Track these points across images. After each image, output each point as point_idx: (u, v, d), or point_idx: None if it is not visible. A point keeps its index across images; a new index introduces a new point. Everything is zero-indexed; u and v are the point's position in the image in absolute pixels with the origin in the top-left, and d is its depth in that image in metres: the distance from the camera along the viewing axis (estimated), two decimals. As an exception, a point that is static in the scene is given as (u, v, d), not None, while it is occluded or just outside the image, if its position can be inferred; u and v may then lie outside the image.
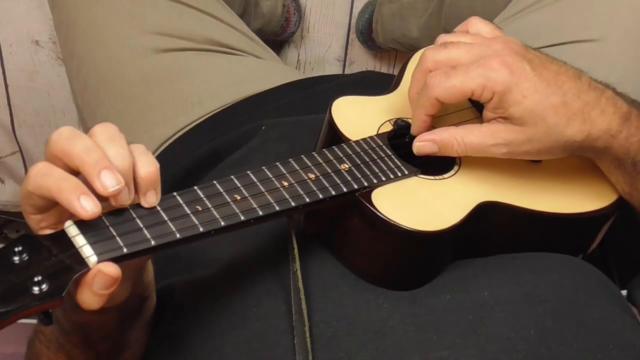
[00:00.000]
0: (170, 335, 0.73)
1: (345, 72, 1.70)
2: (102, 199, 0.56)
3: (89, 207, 0.54)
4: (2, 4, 1.50)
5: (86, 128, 1.09)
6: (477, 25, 0.76)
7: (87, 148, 0.56)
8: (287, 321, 0.67)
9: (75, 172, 0.56)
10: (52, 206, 0.58)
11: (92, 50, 1.03)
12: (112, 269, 0.54)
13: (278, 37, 1.60)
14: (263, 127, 0.93)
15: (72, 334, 0.67)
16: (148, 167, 0.58)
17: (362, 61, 1.69)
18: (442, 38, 0.74)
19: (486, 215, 0.71)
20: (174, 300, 0.75)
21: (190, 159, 0.96)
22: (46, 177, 0.55)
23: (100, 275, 0.54)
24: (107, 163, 0.55)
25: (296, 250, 0.69)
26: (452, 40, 0.72)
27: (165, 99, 1.01)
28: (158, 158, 0.98)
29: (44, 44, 1.54)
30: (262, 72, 1.08)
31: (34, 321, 0.66)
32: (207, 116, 1.00)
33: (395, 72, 0.86)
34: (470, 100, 0.80)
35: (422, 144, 0.72)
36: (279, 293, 0.70)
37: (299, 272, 0.68)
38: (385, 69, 1.70)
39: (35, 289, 0.52)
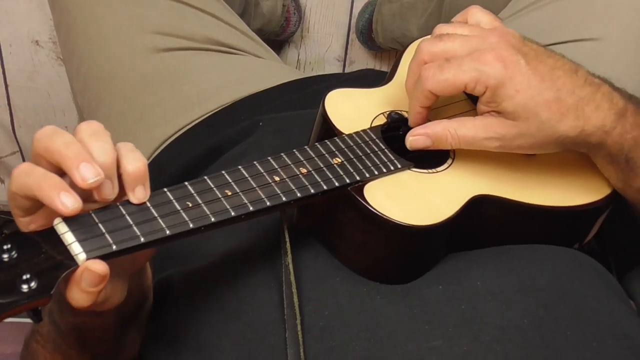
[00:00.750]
0: (165, 326, 0.73)
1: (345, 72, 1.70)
2: (87, 197, 0.56)
3: (69, 203, 0.54)
4: (2, 4, 1.50)
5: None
6: (476, 14, 0.75)
7: (67, 143, 0.56)
8: (280, 312, 0.68)
9: (61, 172, 0.56)
10: (38, 207, 0.58)
11: (92, 50, 1.03)
12: (99, 267, 0.54)
13: (278, 37, 1.60)
14: (261, 123, 0.93)
15: (69, 335, 0.67)
16: (135, 163, 0.58)
17: (362, 61, 1.69)
18: (439, 29, 0.74)
19: (480, 209, 0.71)
20: (170, 292, 0.75)
21: (189, 157, 0.96)
22: (28, 177, 0.56)
23: (87, 273, 0.54)
24: (86, 156, 0.56)
25: (288, 244, 0.69)
26: (449, 31, 0.72)
27: (166, 99, 1.01)
28: (158, 157, 1.00)
29: (44, 44, 1.54)
30: (262, 72, 1.08)
31: (34, 320, 0.65)
32: (207, 115, 1.00)
33: (395, 72, 0.86)
34: (466, 93, 0.80)
35: (416, 138, 0.72)
36: (273, 284, 0.70)
37: (290, 266, 0.68)
38: (386, 68, 1.70)
39: (24, 287, 0.52)
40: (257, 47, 1.14)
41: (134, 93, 1.02)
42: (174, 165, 0.96)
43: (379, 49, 1.65)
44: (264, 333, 0.67)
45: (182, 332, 0.71)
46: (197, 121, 1.00)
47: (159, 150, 1.00)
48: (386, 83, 0.81)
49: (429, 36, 0.74)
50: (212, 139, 0.97)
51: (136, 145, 0.99)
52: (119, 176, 0.58)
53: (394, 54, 1.68)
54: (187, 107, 1.01)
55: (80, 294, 0.55)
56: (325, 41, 1.66)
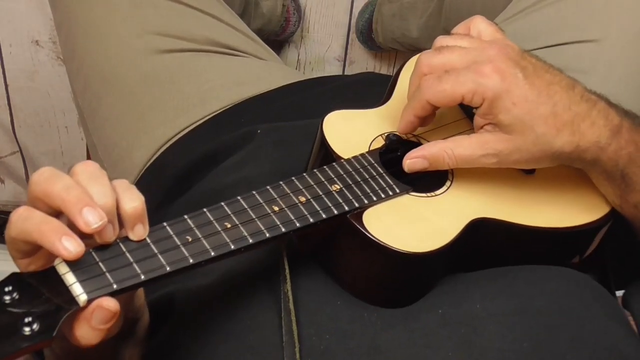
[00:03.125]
0: (166, 344, 0.73)
1: (345, 72, 1.70)
2: (87, 236, 0.56)
3: (71, 247, 0.54)
4: (2, 4, 1.50)
5: (86, 128, 1.09)
6: (479, 25, 0.75)
7: (67, 187, 0.55)
8: (280, 335, 0.67)
9: (59, 214, 0.56)
10: (38, 249, 0.57)
11: (92, 51, 1.03)
12: (111, 304, 0.54)
13: (278, 37, 1.60)
14: (259, 131, 0.93)
15: (65, 359, 0.67)
16: (132, 203, 0.58)
17: (362, 61, 1.69)
18: (439, 41, 0.74)
19: (479, 231, 0.71)
20: (171, 309, 0.75)
21: (187, 161, 0.96)
22: (27, 222, 0.55)
23: (99, 310, 0.54)
24: (88, 200, 0.55)
25: (287, 271, 0.69)
26: (449, 44, 0.72)
27: (166, 100, 1.01)
28: (159, 159, 1.00)
29: (44, 44, 1.54)
30: (262, 73, 1.08)
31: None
32: (207, 117, 1.00)
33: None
34: (464, 111, 0.79)
35: (413, 161, 0.72)
36: (273, 306, 0.70)
37: (289, 293, 0.68)
38: (385, 69, 1.70)
39: (27, 330, 0.52)
40: (258, 47, 1.14)
41: (134, 94, 1.01)
42: (174, 168, 0.96)
43: (379, 49, 1.65)
44: (265, 355, 0.67)
45: (183, 350, 0.70)
46: (198, 122, 1.00)
47: (160, 152, 1.00)
48: (384, 103, 0.81)
49: (429, 50, 0.74)
50: (210, 143, 0.96)
51: (136, 145, 1.01)
52: (118, 214, 0.58)
53: (394, 54, 1.68)
54: (187, 108, 1.01)
55: (90, 332, 0.55)
56: (325, 41, 1.66)
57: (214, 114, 1.00)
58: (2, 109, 1.59)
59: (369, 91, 0.82)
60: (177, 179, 0.95)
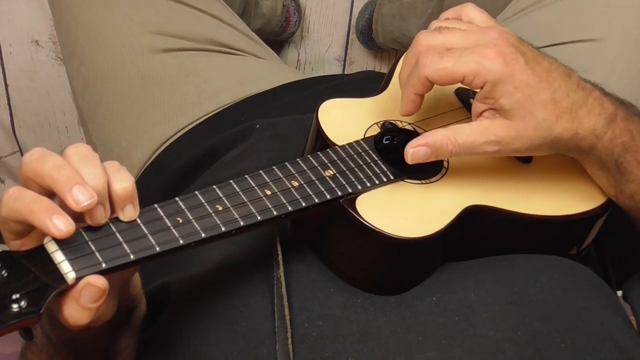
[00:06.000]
0: (160, 333, 0.73)
1: (345, 72, 1.70)
2: (77, 217, 0.56)
3: (62, 225, 0.54)
4: (2, 4, 1.50)
5: (86, 128, 1.09)
6: (471, 12, 0.74)
7: (57, 166, 0.56)
8: (273, 322, 0.67)
9: (51, 194, 0.56)
10: (30, 230, 0.57)
11: (92, 51, 1.03)
12: (99, 281, 0.54)
13: (278, 37, 1.60)
14: (257, 126, 0.93)
15: (61, 347, 0.67)
16: (123, 183, 0.58)
17: (362, 61, 1.69)
18: (436, 23, 0.73)
19: (474, 219, 0.71)
20: (167, 299, 0.75)
21: (187, 158, 0.96)
22: (17, 201, 0.55)
23: (87, 288, 0.54)
24: (79, 179, 0.55)
25: (280, 257, 0.69)
26: (447, 25, 0.71)
27: (166, 99, 1.01)
28: (159, 157, 1.00)
29: (44, 44, 1.54)
30: (262, 72, 1.08)
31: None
32: (207, 116, 1.00)
33: (396, 73, 0.85)
34: (461, 100, 0.79)
35: (416, 150, 0.69)
36: (267, 293, 0.70)
37: (282, 279, 0.68)
38: (385, 69, 1.70)
39: (14, 307, 0.52)
40: (257, 47, 1.14)
41: (134, 93, 1.02)
42: (173, 166, 0.96)
43: (379, 49, 1.65)
44: (257, 343, 0.67)
45: (176, 339, 0.71)
46: (197, 121, 1.00)
47: (159, 151, 1.00)
48: (380, 92, 0.81)
49: (427, 30, 0.72)
50: (210, 140, 0.96)
51: (136, 145, 1.01)
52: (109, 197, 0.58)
53: (394, 54, 1.68)
54: (187, 108, 1.01)
55: (80, 311, 0.55)
56: (325, 41, 1.66)
57: (214, 112, 1.00)
58: (2, 109, 1.59)
59: (368, 89, 0.81)
60: (176, 177, 0.95)
